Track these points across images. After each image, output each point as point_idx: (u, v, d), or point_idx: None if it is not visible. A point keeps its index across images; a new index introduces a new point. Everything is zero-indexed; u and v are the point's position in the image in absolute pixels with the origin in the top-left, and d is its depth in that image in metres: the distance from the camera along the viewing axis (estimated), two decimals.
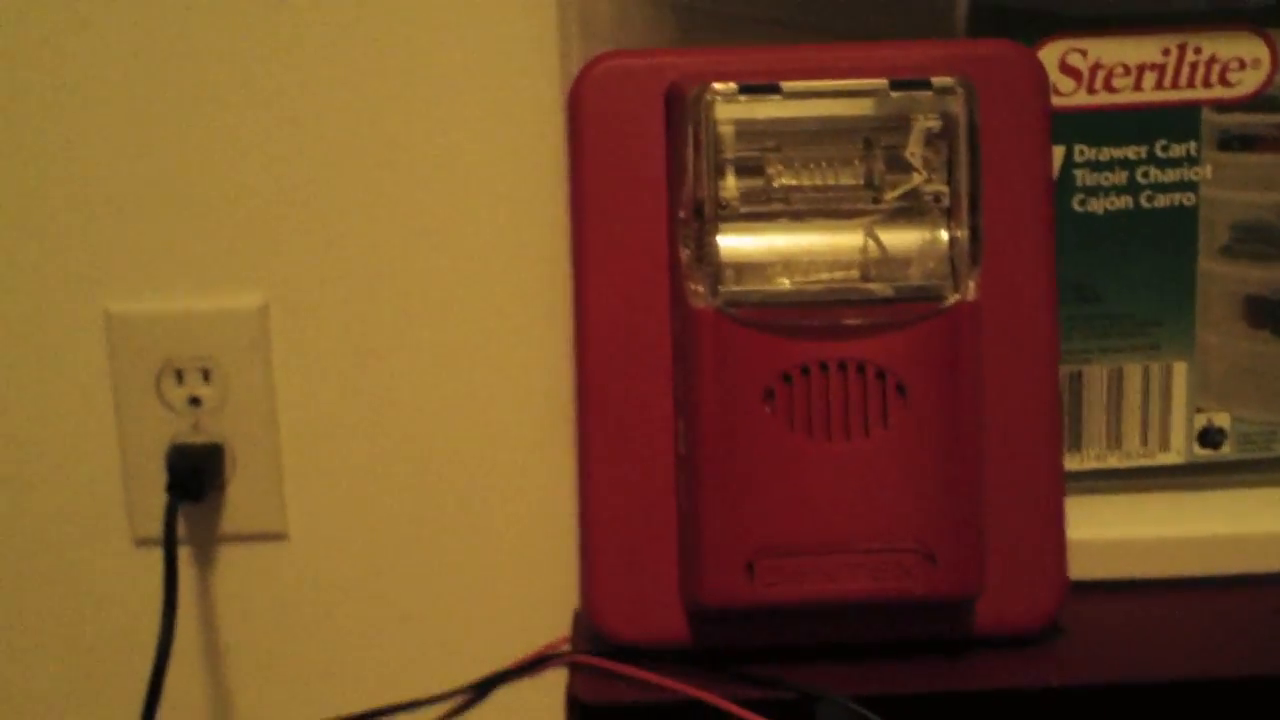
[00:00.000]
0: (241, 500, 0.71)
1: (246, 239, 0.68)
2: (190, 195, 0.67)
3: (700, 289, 0.45)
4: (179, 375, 0.69)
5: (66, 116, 0.66)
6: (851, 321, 0.46)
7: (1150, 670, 0.48)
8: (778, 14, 0.53)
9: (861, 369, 0.46)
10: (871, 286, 0.46)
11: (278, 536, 0.72)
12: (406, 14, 0.64)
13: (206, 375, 0.70)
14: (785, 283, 0.46)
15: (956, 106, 0.45)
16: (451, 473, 0.71)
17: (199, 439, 0.70)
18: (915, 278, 0.46)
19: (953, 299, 0.46)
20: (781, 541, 0.46)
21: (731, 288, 0.45)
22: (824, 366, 0.46)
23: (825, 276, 0.46)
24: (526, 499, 0.70)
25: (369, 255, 0.68)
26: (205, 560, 0.72)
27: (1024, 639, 0.49)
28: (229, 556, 0.72)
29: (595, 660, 0.46)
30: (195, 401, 0.70)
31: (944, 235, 0.46)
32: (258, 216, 0.67)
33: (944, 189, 0.46)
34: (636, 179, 0.48)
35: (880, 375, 0.46)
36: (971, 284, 0.46)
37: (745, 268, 0.46)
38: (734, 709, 0.41)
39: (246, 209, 0.67)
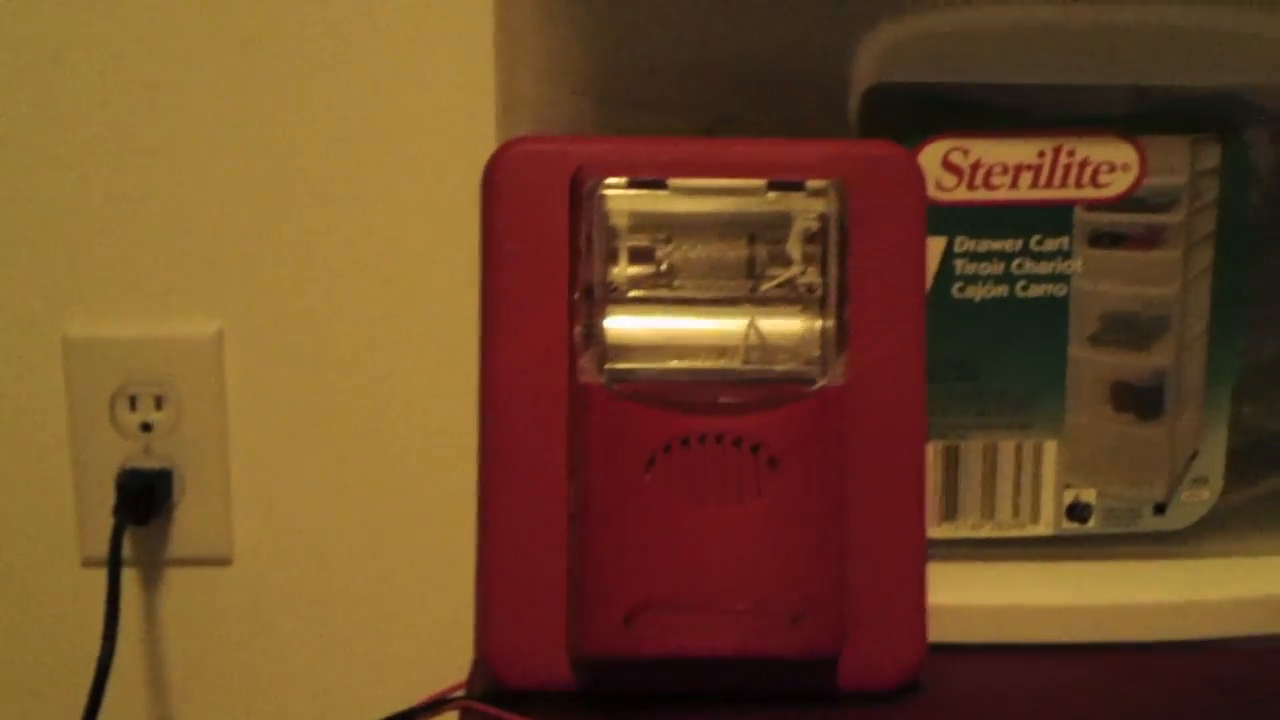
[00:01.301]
0: (189, 525, 0.73)
1: (203, 267, 0.70)
2: (148, 222, 0.69)
3: (588, 365, 0.49)
4: (132, 400, 0.72)
5: (24, 141, 0.68)
6: (729, 399, 0.49)
7: None
8: (690, 105, 0.57)
9: (737, 442, 0.50)
10: (748, 368, 0.50)
11: (223, 561, 0.74)
12: (368, 76, 0.67)
13: (159, 401, 0.72)
14: (669, 362, 0.50)
15: (828, 207, 0.49)
16: (396, 508, 0.73)
17: (150, 463, 0.72)
18: (788, 362, 0.50)
19: (821, 382, 0.50)
20: (658, 598, 0.50)
21: (617, 365, 0.49)
22: (703, 439, 0.49)
23: (707, 358, 0.50)
24: (464, 538, 0.73)
25: (323, 288, 0.70)
26: (151, 582, 0.74)
27: (886, 695, 0.53)
28: (175, 579, 0.74)
29: (482, 705, 0.50)
30: (147, 427, 0.72)
31: (816, 324, 0.50)
32: (215, 245, 0.70)
33: (818, 281, 0.50)
34: (542, 257, 0.51)
35: (754, 449, 0.50)
36: (839, 368, 0.50)
37: (631, 348, 0.50)
38: None
39: (204, 238, 0.69)
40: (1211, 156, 0.58)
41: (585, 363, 0.49)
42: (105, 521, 0.70)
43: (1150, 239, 0.58)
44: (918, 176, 0.52)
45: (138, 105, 0.68)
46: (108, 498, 0.71)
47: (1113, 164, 0.57)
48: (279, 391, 0.72)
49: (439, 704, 0.51)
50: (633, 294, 0.50)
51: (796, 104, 0.57)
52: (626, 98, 0.57)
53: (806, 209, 0.50)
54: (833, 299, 0.50)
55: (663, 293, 0.50)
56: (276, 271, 0.70)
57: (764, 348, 0.50)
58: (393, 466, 0.72)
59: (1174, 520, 0.61)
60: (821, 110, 0.57)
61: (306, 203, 0.69)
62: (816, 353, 0.50)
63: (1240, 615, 0.58)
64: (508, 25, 0.56)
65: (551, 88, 0.57)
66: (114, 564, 0.69)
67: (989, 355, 0.58)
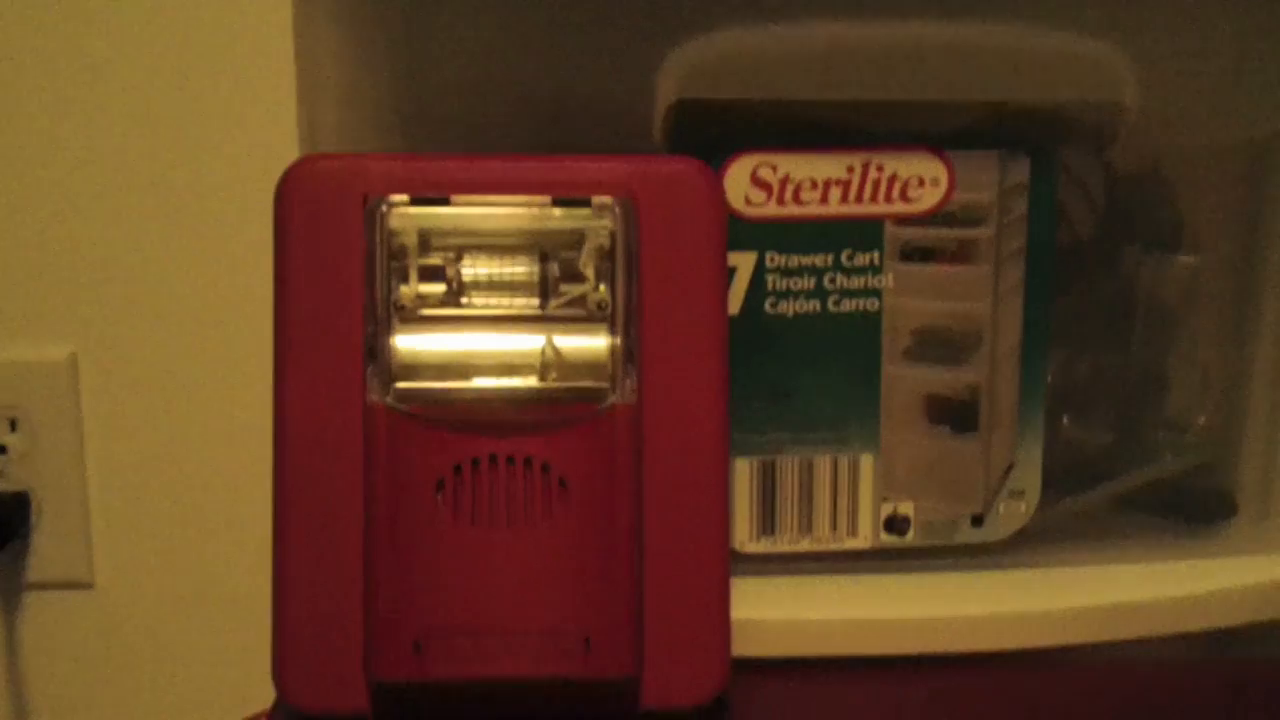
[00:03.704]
0: (48, 548, 0.73)
1: (54, 290, 0.70)
2: None
3: (375, 385, 0.49)
4: None
5: None
6: (518, 419, 0.49)
7: None
8: (496, 123, 0.57)
9: (528, 463, 0.49)
10: (537, 387, 0.49)
11: (83, 585, 0.73)
12: (185, 105, 0.68)
13: (14, 424, 0.71)
14: (458, 382, 0.49)
15: (614, 224, 0.49)
16: (253, 525, 0.73)
17: (6, 487, 0.72)
18: (578, 380, 0.49)
19: (610, 400, 0.49)
20: (448, 623, 0.49)
21: (404, 385, 0.49)
22: (492, 460, 0.49)
23: (500, 376, 0.49)
24: None
25: (171, 311, 0.70)
26: (11, 606, 0.74)
27: (689, 715, 0.52)
28: (35, 604, 0.74)
29: None
30: (2, 449, 0.71)
31: (605, 341, 0.50)
32: (65, 269, 0.70)
33: (607, 298, 0.49)
34: (336, 277, 0.51)
35: (544, 469, 0.49)
36: (630, 386, 0.49)
37: (421, 367, 0.49)
38: None
39: (54, 261, 0.69)
40: (1020, 172, 0.58)
41: (372, 382, 0.49)
42: None
43: (960, 254, 0.58)
44: (716, 191, 0.52)
45: None
46: None
47: (922, 179, 0.57)
48: (134, 413, 0.71)
49: None
50: (423, 312, 0.49)
51: (611, 123, 0.56)
52: (437, 122, 0.57)
53: (597, 226, 0.49)
54: (621, 316, 0.49)
55: (453, 311, 0.50)
56: (126, 295, 0.70)
57: (556, 366, 0.49)
58: (250, 486, 0.72)
59: (991, 532, 0.61)
60: (637, 130, 0.56)
61: (150, 228, 0.69)
62: (606, 370, 0.49)
63: (1057, 625, 0.59)
64: (308, 51, 0.56)
65: (358, 112, 0.56)
66: None
67: (803, 370, 0.58)
